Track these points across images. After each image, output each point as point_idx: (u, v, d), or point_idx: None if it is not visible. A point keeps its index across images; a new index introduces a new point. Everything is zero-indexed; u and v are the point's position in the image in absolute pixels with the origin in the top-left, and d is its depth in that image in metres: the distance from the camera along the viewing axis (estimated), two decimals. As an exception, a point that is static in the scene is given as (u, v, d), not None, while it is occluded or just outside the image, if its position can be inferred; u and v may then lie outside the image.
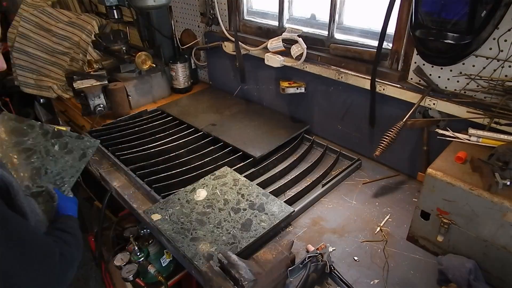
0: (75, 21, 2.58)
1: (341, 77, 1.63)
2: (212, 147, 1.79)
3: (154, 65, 2.29)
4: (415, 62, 1.42)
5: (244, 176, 1.54)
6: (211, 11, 2.18)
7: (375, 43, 1.47)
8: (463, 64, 1.29)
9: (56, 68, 2.63)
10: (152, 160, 1.67)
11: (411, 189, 1.52)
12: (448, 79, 1.35)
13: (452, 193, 1.07)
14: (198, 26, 2.40)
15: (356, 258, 1.19)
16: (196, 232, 1.24)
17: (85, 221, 2.43)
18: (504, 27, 1.16)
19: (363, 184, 1.55)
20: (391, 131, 1.40)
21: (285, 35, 1.74)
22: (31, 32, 2.54)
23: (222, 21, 2.13)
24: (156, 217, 1.32)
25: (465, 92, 1.32)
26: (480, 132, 1.21)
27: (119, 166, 1.63)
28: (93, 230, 1.83)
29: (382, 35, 1.41)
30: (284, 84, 1.86)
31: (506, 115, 1.19)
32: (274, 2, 1.92)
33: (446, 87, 1.37)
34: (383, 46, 1.45)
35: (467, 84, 1.30)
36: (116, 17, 2.23)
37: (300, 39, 1.69)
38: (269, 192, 1.43)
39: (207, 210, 1.35)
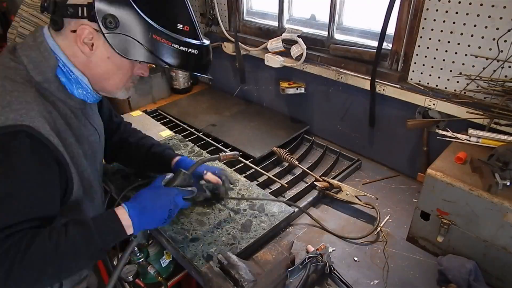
0: (75, 21, 2.58)
1: (341, 78, 1.63)
2: (212, 148, 1.79)
3: (154, 66, 2.28)
4: (415, 63, 1.42)
5: (244, 177, 1.54)
6: (211, 12, 2.19)
7: (375, 43, 1.47)
8: (463, 64, 1.29)
9: (56, 68, 2.62)
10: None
11: (411, 189, 1.52)
12: (448, 79, 1.36)
13: (452, 194, 1.07)
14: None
15: (356, 258, 1.19)
16: (196, 233, 1.24)
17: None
18: (504, 27, 1.16)
19: (363, 184, 1.55)
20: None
21: (285, 35, 1.74)
22: (31, 33, 2.54)
23: (222, 21, 2.13)
24: (156, 217, 1.31)
25: (465, 93, 1.32)
26: (480, 133, 1.21)
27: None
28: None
29: (382, 36, 1.41)
30: (284, 84, 1.86)
31: (506, 115, 1.19)
32: (274, 2, 1.92)
33: (446, 88, 1.37)
34: (383, 47, 1.45)
35: (467, 84, 1.30)
36: (116, 17, 2.23)
37: (300, 40, 1.70)
38: (269, 193, 1.43)
39: (207, 210, 1.34)
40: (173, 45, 0.93)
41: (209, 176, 1.29)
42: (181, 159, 1.34)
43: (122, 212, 0.96)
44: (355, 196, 1.37)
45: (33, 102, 0.86)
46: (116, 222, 0.94)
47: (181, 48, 0.95)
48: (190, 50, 0.96)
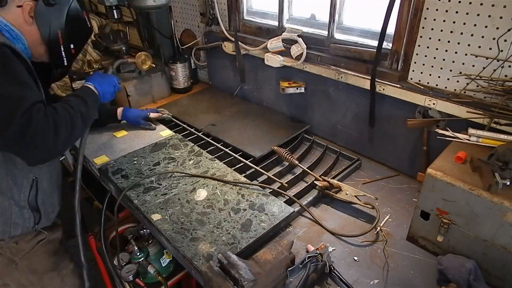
0: (75, 21, 2.57)
1: (341, 77, 1.63)
2: (212, 147, 1.79)
3: (154, 65, 2.29)
4: (415, 62, 1.42)
5: (244, 176, 1.54)
6: (211, 11, 2.18)
7: (375, 43, 1.47)
8: (463, 64, 1.29)
9: (56, 68, 2.62)
10: (152, 160, 1.67)
11: (411, 189, 1.52)
12: (448, 79, 1.35)
13: (452, 193, 1.07)
14: (198, 26, 2.40)
15: (356, 258, 1.19)
16: (196, 232, 1.24)
17: (85, 221, 2.42)
18: (504, 27, 1.16)
19: (363, 184, 1.55)
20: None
21: (285, 35, 1.74)
22: (31, 32, 2.53)
23: (222, 21, 2.13)
24: (156, 217, 1.32)
25: (465, 92, 1.32)
26: (480, 132, 1.21)
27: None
28: (94, 230, 1.83)
29: (382, 35, 1.41)
30: (284, 84, 1.86)
31: (506, 115, 1.19)
32: (274, 2, 1.92)
33: (446, 87, 1.37)
34: (383, 46, 1.45)
35: (467, 84, 1.30)
36: (116, 17, 2.23)
37: (300, 39, 1.69)
38: (269, 192, 1.44)
39: (207, 210, 1.35)
40: None
41: (152, 114, 1.95)
42: (125, 109, 1.89)
43: (91, 86, 1.40)
44: (355, 196, 1.37)
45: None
46: (94, 92, 1.40)
47: None
48: None
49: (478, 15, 1.20)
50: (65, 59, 1.39)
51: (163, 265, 1.73)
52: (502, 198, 0.98)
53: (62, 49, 1.37)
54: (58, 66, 1.44)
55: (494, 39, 1.19)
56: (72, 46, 1.39)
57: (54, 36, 1.32)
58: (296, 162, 1.58)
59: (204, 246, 1.18)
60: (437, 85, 1.39)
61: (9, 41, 1.13)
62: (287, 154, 1.61)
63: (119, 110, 1.90)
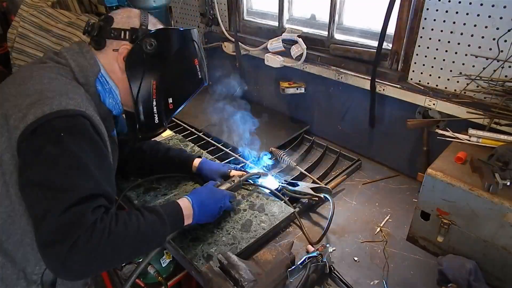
0: (75, 21, 2.57)
1: (341, 78, 1.63)
2: (212, 147, 1.79)
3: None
4: (415, 62, 1.42)
5: (244, 177, 1.54)
6: (211, 12, 2.19)
7: (375, 43, 1.47)
8: (463, 64, 1.29)
9: (56, 68, 2.62)
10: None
11: (411, 189, 1.52)
12: (448, 79, 1.36)
13: (452, 194, 1.07)
14: (198, 27, 2.40)
15: (356, 258, 1.19)
16: (196, 233, 1.24)
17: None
18: (504, 27, 1.16)
19: (363, 184, 1.55)
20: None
21: (285, 35, 1.74)
22: (31, 33, 2.54)
23: (222, 21, 2.13)
24: (156, 217, 1.31)
25: (465, 93, 1.32)
26: (480, 133, 1.21)
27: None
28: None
29: (382, 36, 1.41)
30: (284, 84, 1.86)
31: (506, 115, 1.19)
32: (274, 2, 1.92)
33: (446, 88, 1.37)
34: (383, 47, 1.45)
35: (467, 84, 1.30)
36: (116, 17, 2.23)
37: (300, 40, 1.69)
38: (269, 192, 1.43)
39: (207, 210, 1.34)
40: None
41: (234, 172, 1.43)
42: (203, 160, 1.46)
43: (186, 203, 1.11)
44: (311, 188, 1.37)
45: (83, 96, 0.97)
46: (180, 212, 1.07)
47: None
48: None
49: (478, 15, 1.20)
50: (156, 116, 1.13)
51: (163, 265, 1.73)
52: (502, 199, 0.98)
53: (154, 104, 1.12)
54: (145, 125, 1.15)
55: (494, 39, 1.19)
56: (170, 100, 1.15)
57: (145, 88, 1.09)
58: (294, 164, 1.58)
59: (204, 247, 1.18)
60: (437, 85, 1.39)
61: (91, 110, 0.94)
62: (285, 156, 1.61)
63: (196, 161, 1.46)
